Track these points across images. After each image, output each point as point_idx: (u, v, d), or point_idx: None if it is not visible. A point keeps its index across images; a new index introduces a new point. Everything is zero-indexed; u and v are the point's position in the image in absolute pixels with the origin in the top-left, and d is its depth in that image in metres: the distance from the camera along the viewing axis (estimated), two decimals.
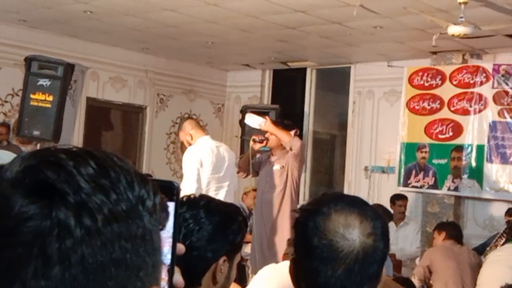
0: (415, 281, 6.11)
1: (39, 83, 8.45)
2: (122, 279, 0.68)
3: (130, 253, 0.68)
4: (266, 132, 6.43)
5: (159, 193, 0.74)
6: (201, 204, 2.00)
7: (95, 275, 0.66)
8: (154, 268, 0.72)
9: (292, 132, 6.33)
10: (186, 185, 6.04)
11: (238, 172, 6.61)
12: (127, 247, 0.68)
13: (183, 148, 7.01)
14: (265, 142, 6.41)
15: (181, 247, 0.90)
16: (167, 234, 0.88)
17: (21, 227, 0.64)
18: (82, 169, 0.68)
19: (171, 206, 0.88)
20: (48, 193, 0.65)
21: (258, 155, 6.52)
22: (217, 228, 1.96)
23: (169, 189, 0.90)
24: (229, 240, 1.99)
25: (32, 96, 8.44)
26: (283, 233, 6.03)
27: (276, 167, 6.38)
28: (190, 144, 6.41)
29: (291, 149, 6.26)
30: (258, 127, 6.44)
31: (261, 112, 9.70)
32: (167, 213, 0.78)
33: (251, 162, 6.43)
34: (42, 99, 8.45)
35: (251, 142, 6.47)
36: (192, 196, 2.05)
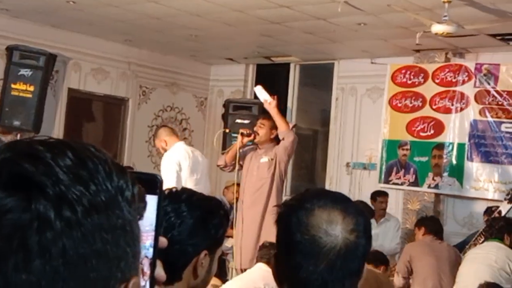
0: (399, 279, 6.14)
1: (20, 73, 8.39)
2: (104, 271, 0.67)
3: (110, 244, 0.68)
4: (254, 126, 6.44)
5: (137, 183, 0.74)
6: (183, 197, 1.99)
7: (76, 267, 0.65)
8: (134, 258, 0.72)
9: (290, 125, 6.36)
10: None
11: (224, 167, 6.58)
12: (108, 238, 0.67)
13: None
14: (252, 135, 6.39)
15: (163, 241, 0.89)
16: (149, 227, 0.87)
17: (0, 220, 0.64)
18: (60, 160, 0.67)
19: (153, 199, 0.87)
20: (26, 186, 0.65)
21: (242, 149, 6.51)
22: (198, 223, 1.95)
23: (152, 182, 0.89)
24: (210, 235, 1.98)
25: (13, 86, 8.38)
26: (271, 227, 6.02)
27: (264, 159, 6.36)
28: (165, 150, 6.69)
29: (283, 139, 6.25)
30: (263, 102, 6.44)
31: (243, 106, 9.74)
32: (145, 203, 0.77)
33: (238, 156, 6.41)
34: (23, 89, 8.39)
35: (239, 136, 6.44)
36: (174, 190, 2.04)
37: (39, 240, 0.64)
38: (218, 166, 6.78)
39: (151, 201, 0.88)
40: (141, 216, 0.75)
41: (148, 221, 0.89)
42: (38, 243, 0.64)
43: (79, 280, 0.66)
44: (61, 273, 0.64)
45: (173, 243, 1.86)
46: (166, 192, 1.98)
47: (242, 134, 6.42)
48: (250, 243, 6.16)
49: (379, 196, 8.19)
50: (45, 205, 0.64)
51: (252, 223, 6.28)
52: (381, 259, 5.69)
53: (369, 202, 7.94)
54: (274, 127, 6.41)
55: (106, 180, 0.69)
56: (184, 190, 2.08)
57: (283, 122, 6.32)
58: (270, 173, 6.31)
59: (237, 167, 6.50)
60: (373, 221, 7.81)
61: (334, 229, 1.50)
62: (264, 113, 6.85)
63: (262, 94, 6.46)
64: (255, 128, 6.44)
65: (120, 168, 0.72)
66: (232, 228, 8.75)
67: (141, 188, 0.75)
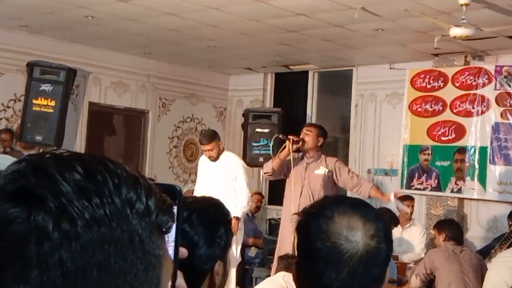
0: (417, 281, 6.10)
1: (41, 88, 8.47)
2: (107, 283, 0.67)
3: (114, 257, 0.67)
4: (297, 134, 6.34)
5: (157, 196, 0.73)
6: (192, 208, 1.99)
7: (75, 279, 0.65)
8: (145, 272, 0.71)
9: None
10: (247, 191, 7.02)
11: (271, 175, 6.41)
12: (110, 250, 0.67)
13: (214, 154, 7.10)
14: (301, 143, 6.24)
15: (183, 251, 0.90)
16: (168, 239, 0.88)
17: (3, 231, 0.65)
18: (67, 174, 0.68)
19: (173, 210, 0.88)
20: (28, 198, 0.66)
21: (291, 156, 6.24)
22: (208, 239, 1.95)
23: (171, 193, 0.89)
24: (220, 246, 1.98)
25: (34, 101, 8.46)
26: None
27: (320, 171, 6.24)
28: (218, 154, 6.99)
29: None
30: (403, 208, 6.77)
31: (263, 115, 9.73)
32: (172, 216, 0.77)
33: (292, 163, 6.20)
34: (44, 104, 8.47)
35: (287, 142, 6.22)
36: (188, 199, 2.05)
37: (37, 251, 0.64)
38: (264, 173, 6.60)
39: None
40: (166, 229, 0.75)
41: None
42: (36, 254, 0.64)
43: None
44: (59, 284, 0.65)
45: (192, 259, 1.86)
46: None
47: (292, 140, 6.20)
48: None
49: (405, 200, 8.14)
50: (43, 217, 0.65)
51: None
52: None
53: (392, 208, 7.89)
54: (320, 134, 6.33)
55: (113, 193, 0.69)
56: (194, 199, 2.08)
57: (381, 195, 6.59)
58: (323, 185, 6.22)
59: (292, 173, 6.26)
60: (398, 227, 7.77)
61: (354, 235, 1.49)
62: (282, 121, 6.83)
63: (401, 204, 6.74)
64: (301, 135, 6.32)
65: (134, 180, 0.71)
66: (255, 237, 8.75)
67: (167, 200, 0.75)
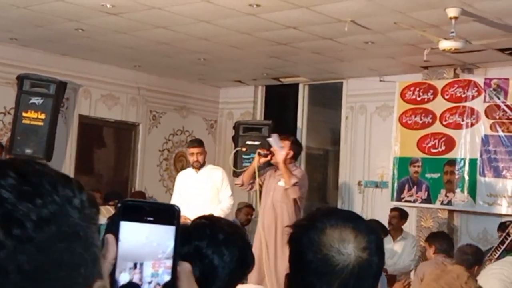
0: None
1: (31, 101, 8.44)
2: (66, 279, 0.69)
3: (66, 252, 0.69)
4: (271, 146, 6.38)
5: (84, 189, 0.76)
6: (221, 239, 1.90)
7: (37, 280, 0.66)
8: (93, 263, 0.73)
9: (293, 180, 6.21)
10: (230, 199, 7.12)
11: (241, 186, 6.55)
12: (62, 247, 0.69)
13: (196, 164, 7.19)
14: (269, 156, 6.32)
15: (187, 266, 0.91)
16: (162, 255, 0.89)
17: None
18: (2, 180, 0.68)
19: (171, 230, 0.89)
20: None
21: (262, 170, 6.41)
22: (237, 267, 1.92)
23: (170, 213, 0.90)
24: (246, 272, 1.98)
25: (24, 114, 8.43)
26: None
27: (281, 183, 6.29)
28: (201, 163, 7.12)
29: (286, 189, 6.22)
30: (275, 151, 6.29)
31: (254, 128, 9.75)
32: (98, 208, 0.79)
33: (257, 175, 6.33)
34: (34, 117, 8.44)
35: (256, 156, 6.38)
36: (208, 232, 1.91)
37: None
38: (236, 184, 6.75)
39: (169, 231, 0.90)
40: (95, 221, 0.76)
41: (160, 248, 0.90)
42: None
43: None
44: (22, 287, 0.66)
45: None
46: (200, 232, 1.90)
47: (259, 154, 6.35)
48: (282, 266, 5.90)
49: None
50: None
51: (278, 244, 6.20)
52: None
53: (383, 220, 7.91)
54: (290, 148, 6.36)
55: (52, 192, 0.70)
56: (218, 229, 1.96)
57: (288, 177, 6.19)
58: (284, 198, 6.27)
59: (256, 186, 6.40)
60: (389, 238, 7.80)
61: (346, 247, 1.49)
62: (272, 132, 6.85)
63: (277, 143, 6.37)
64: (271, 149, 6.39)
65: (65, 178, 0.73)
66: None
67: (90, 194, 0.78)
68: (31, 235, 0.67)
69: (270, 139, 6.48)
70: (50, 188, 0.70)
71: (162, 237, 0.89)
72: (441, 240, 6.43)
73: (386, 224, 7.81)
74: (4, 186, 0.68)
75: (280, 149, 6.25)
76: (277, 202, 6.29)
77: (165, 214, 0.89)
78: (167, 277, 0.90)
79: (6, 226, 0.66)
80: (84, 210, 0.73)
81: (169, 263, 0.90)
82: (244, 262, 1.94)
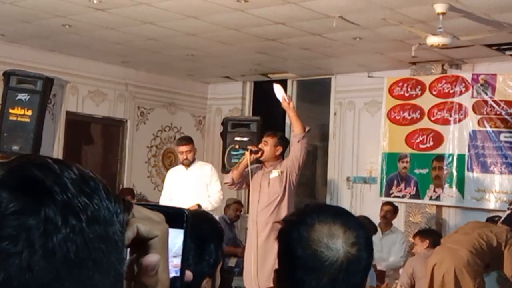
0: None
1: (18, 97, 8.40)
2: (97, 278, 0.71)
3: (105, 254, 0.72)
4: (260, 143, 6.33)
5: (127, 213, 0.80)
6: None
7: (76, 271, 0.69)
8: (121, 272, 0.76)
9: (307, 128, 6.21)
10: (220, 194, 7.19)
11: (231, 184, 6.38)
12: (104, 248, 0.72)
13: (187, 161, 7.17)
14: (260, 153, 6.20)
15: (188, 274, 0.91)
16: (169, 254, 0.89)
17: (6, 221, 0.66)
18: (67, 173, 0.71)
19: (180, 233, 0.89)
20: (35, 191, 0.68)
21: (249, 167, 6.25)
22: (196, 256, 1.90)
23: (179, 216, 0.91)
24: (209, 264, 1.95)
25: (11, 111, 8.39)
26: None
27: (274, 174, 6.18)
28: (190, 159, 7.11)
29: (298, 142, 6.12)
30: (281, 100, 6.26)
31: (242, 124, 9.73)
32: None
33: (250, 173, 6.20)
34: (21, 113, 8.40)
35: (247, 153, 6.20)
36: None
37: (44, 243, 0.67)
38: (225, 183, 6.58)
39: (177, 233, 0.90)
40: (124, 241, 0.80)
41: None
42: (44, 246, 0.67)
43: (78, 285, 0.69)
44: (62, 275, 0.68)
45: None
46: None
47: (250, 151, 6.19)
48: (271, 261, 5.90)
49: (385, 205, 8.28)
50: (54, 211, 0.68)
51: (271, 240, 6.13)
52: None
53: (372, 216, 7.93)
54: (278, 144, 6.29)
55: (106, 200, 0.74)
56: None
57: (299, 124, 6.11)
58: (282, 187, 6.15)
59: (250, 184, 6.23)
60: (378, 232, 7.84)
61: (335, 243, 1.49)
62: (266, 130, 6.81)
63: (280, 92, 6.35)
64: (260, 145, 6.33)
65: (114, 195, 0.77)
66: (234, 246, 8.72)
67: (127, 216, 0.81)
68: (84, 228, 0.69)
69: (275, 88, 6.46)
70: (104, 196, 0.74)
71: (169, 236, 0.90)
72: (435, 235, 6.52)
73: (375, 219, 7.83)
74: (69, 178, 0.71)
75: (287, 98, 6.24)
76: (275, 194, 6.16)
77: (173, 217, 0.90)
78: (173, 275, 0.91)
79: (65, 213, 0.68)
80: (123, 228, 0.77)
81: (176, 261, 0.90)
82: (203, 254, 1.92)
